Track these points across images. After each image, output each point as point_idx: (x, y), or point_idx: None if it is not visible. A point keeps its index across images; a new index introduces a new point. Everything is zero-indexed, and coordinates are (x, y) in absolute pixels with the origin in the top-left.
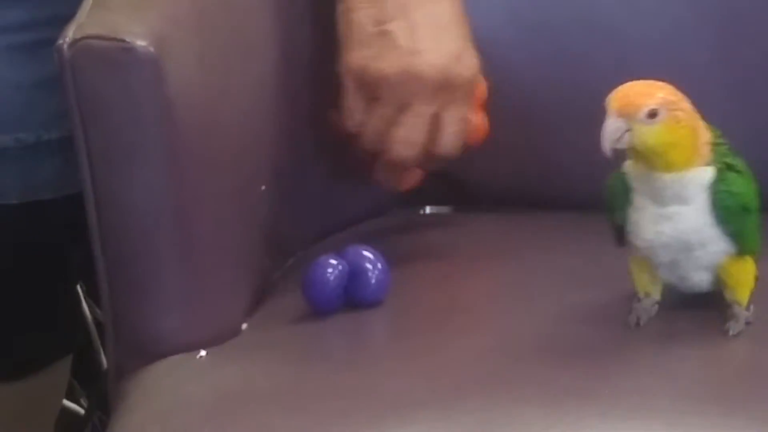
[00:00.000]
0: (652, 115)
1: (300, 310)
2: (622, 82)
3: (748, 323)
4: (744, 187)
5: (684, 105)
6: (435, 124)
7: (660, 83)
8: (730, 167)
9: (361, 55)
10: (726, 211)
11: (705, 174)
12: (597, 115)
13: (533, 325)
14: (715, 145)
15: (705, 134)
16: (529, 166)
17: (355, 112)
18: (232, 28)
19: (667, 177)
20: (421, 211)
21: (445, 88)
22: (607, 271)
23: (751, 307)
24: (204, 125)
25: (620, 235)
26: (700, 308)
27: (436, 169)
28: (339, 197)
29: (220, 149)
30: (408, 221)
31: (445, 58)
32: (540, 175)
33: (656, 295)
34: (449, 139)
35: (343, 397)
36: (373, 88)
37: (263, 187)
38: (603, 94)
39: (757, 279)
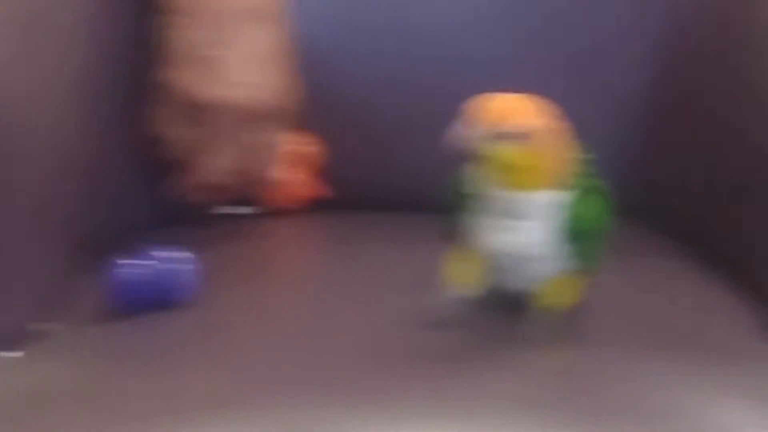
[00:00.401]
0: (521, 136)
1: (107, 311)
2: (440, 84)
3: (554, 330)
4: (594, 212)
5: (553, 128)
6: (246, 153)
7: (533, 102)
8: (586, 191)
9: (183, 75)
10: (572, 234)
11: (556, 196)
12: (412, 116)
13: (344, 327)
14: (578, 166)
15: (568, 157)
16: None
17: (169, 127)
18: (44, 29)
19: (515, 195)
20: (231, 212)
21: (262, 119)
22: (425, 273)
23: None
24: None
25: (452, 234)
26: (518, 312)
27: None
28: (147, 198)
29: (24, 145)
30: (216, 222)
31: (264, 92)
32: (348, 176)
33: (476, 293)
34: (258, 168)
35: (149, 397)
36: (190, 109)
37: (71, 188)
38: (422, 96)
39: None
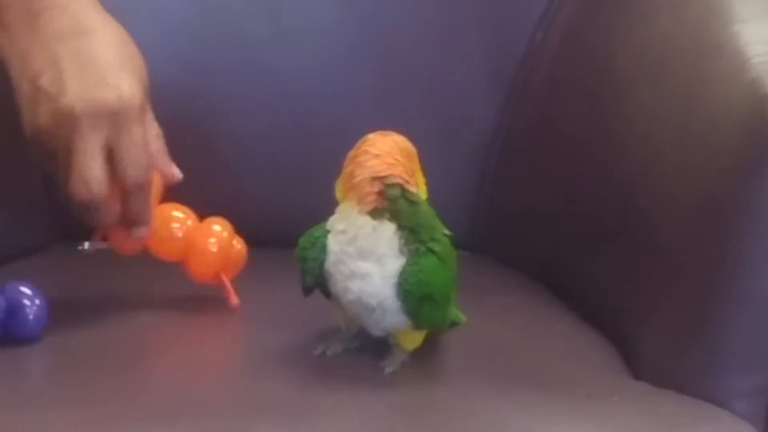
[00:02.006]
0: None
1: None
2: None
3: (404, 364)
4: (434, 275)
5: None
6: (110, 157)
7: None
8: (429, 250)
9: (27, 120)
10: (407, 293)
11: (401, 261)
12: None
13: (193, 362)
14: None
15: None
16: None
17: (49, 175)
18: None
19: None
20: (80, 247)
21: (98, 117)
22: (291, 311)
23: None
24: None
25: (309, 291)
26: (381, 351)
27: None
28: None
29: None
30: (67, 257)
31: (89, 90)
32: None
33: (353, 330)
34: (129, 166)
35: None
36: (47, 146)
37: None
38: (252, 125)
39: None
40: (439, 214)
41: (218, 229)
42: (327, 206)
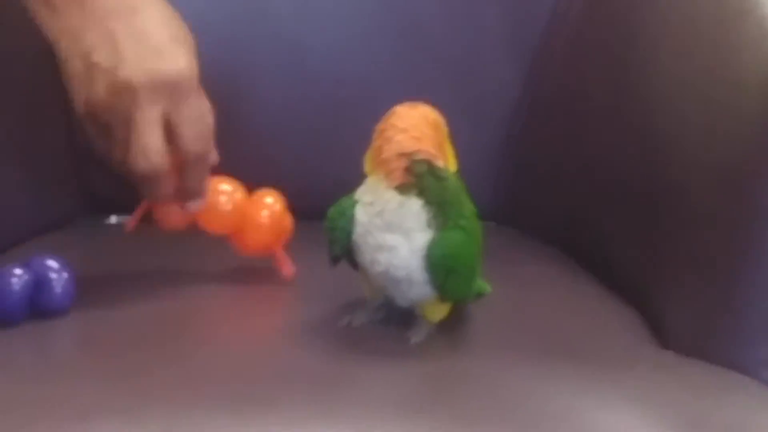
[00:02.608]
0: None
1: None
2: (305, 94)
3: (429, 335)
4: (460, 249)
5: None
6: (167, 130)
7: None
8: (456, 225)
9: (81, 98)
10: (434, 266)
11: (428, 234)
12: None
13: (220, 334)
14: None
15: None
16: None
17: (102, 151)
18: None
19: (393, 202)
20: (107, 221)
21: (158, 89)
22: (318, 284)
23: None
24: None
25: (336, 261)
26: (407, 322)
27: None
28: (24, 207)
29: None
30: (94, 231)
31: (148, 63)
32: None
33: (379, 300)
34: (189, 138)
35: (28, 406)
36: (102, 121)
37: None
38: (280, 101)
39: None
40: (465, 184)
41: (270, 201)
42: (355, 179)
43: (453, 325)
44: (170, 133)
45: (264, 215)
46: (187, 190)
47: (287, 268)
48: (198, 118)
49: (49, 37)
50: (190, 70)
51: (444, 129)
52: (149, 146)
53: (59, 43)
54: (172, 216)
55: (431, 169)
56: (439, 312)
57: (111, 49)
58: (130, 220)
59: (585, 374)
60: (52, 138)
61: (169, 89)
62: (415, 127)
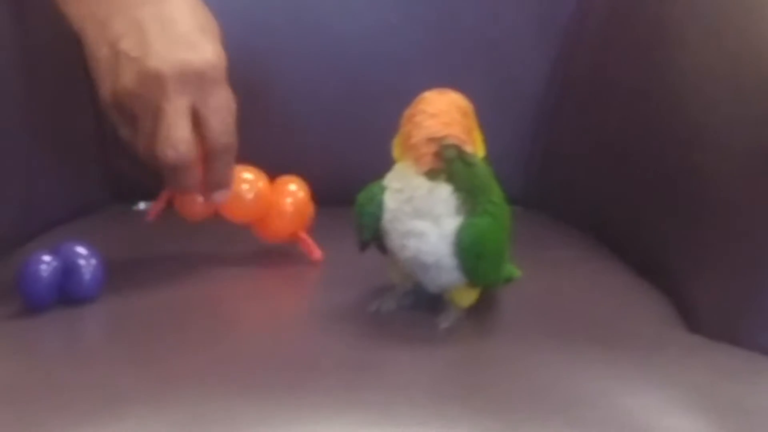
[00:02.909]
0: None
1: (14, 307)
2: (337, 79)
3: (459, 320)
4: (489, 234)
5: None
6: (197, 119)
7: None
8: (485, 210)
9: (107, 86)
10: (463, 252)
11: (457, 220)
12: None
13: (249, 320)
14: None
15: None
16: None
17: (126, 139)
18: None
19: (422, 188)
20: (135, 207)
21: (186, 79)
22: (348, 270)
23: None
24: None
25: (365, 246)
26: (436, 308)
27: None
28: (53, 193)
29: None
30: (123, 217)
31: (176, 52)
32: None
33: (407, 286)
34: (216, 128)
35: (56, 392)
36: (128, 109)
37: None
38: (307, 86)
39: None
40: (493, 170)
41: (294, 188)
42: (383, 164)
43: (482, 310)
44: (197, 123)
45: (287, 202)
46: (213, 181)
47: (315, 252)
48: (225, 108)
49: (73, 24)
50: (218, 61)
51: (473, 115)
52: (177, 137)
53: (85, 31)
54: (195, 206)
55: (460, 154)
56: (468, 297)
57: (139, 38)
58: (151, 209)
59: (614, 358)
60: (80, 125)
61: (197, 80)
62: (444, 112)
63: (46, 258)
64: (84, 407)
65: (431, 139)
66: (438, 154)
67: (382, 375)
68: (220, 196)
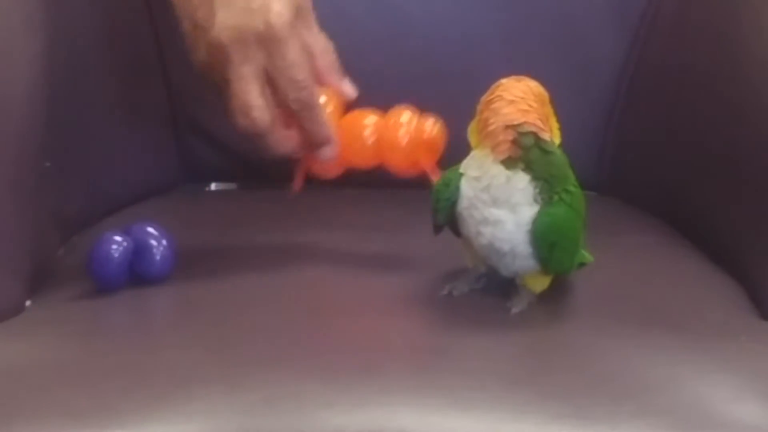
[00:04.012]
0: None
1: (85, 287)
2: (413, 64)
3: (530, 305)
4: (564, 223)
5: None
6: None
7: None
8: (561, 199)
9: (193, 58)
10: (539, 240)
11: (534, 209)
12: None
13: (320, 303)
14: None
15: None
16: None
17: (216, 111)
18: (13, 8)
19: (500, 177)
20: (207, 188)
21: (246, 44)
22: (419, 253)
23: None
24: None
25: (439, 230)
26: (509, 292)
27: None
28: (124, 174)
29: (1, 126)
30: (194, 198)
31: (234, 18)
32: None
33: (480, 270)
34: (287, 86)
35: (127, 373)
36: (211, 80)
37: (47, 164)
38: (380, 71)
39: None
40: (568, 155)
41: (405, 119)
42: (457, 148)
43: (553, 295)
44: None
45: (401, 135)
46: (311, 139)
47: (435, 175)
48: (293, 65)
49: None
50: (279, 18)
51: (549, 103)
52: (247, 103)
53: (176, 7)
54: (323, 166)
55: (538, 141)
56: (540, 283)
57: (208, 8)
58: (295, 183)
59: (684, 345)
60: (153, 105)
61: (258, 42)
62: (522, 99)
63: (118, 238)
64: (154, 389)
65: (509, 127)
66: (515, 142)
67: (453, 359)
68: (326, 153)
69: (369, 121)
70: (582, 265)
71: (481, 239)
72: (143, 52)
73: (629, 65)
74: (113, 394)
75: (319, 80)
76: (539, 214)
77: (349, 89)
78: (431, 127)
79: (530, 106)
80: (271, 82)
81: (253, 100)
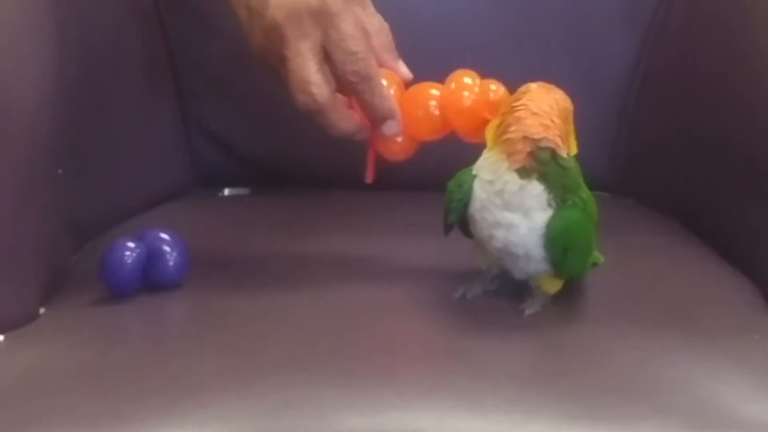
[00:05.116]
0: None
1: (98, 293)
2: (426, 65)
3: (544, 306)
4: (577, 227)
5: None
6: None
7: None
8: (575, 204)
9: (250, 44)
10: (552, 245)
11: (548, 213)
12: None
13: (334, 307)
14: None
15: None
16: (327, 148)
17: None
18: (23, 13)
19: (514, 184)
20: (220, 194)
21: (301, 21)
22: (433, 256)
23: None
24: None
25: (450, 229)
26: (523, 292)
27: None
28: (137, 180)
29: (12, 133)
30: (207, 203)
31: None
32: (337, 156)
33: (493, 272)
34: (343, 59)
35: (141, 379)
36: (270, 65)
37: (60, 171)
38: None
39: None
40: (580, 156)
41: (468, 81)
42: (469, 150)
43: (567, 296)
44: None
45: (465, 96)
46: (372, 114)
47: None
48: (348, 38)
49: None
50: None
51: (572, 118)
52: (304, 79)
53: None
54: (393, 146)
55: (554, 157)
56: (554, 285)
57: None
58: (367, 173)
59: (699, 344)
60: (166, 111)
61: (313, 19)
62: (545, 113)
63: (131, 244)
64: (168, 395)
65: (528, 138)
66: (532, 154)
67: (468, 361)
68: (387, 128)
69: (433, 91)
70: (594, 265)
71: (495, 242)
72: (154, 58)
73: (641, 65)
74: (127, 400)
75: (376, 60)
76: (553, 218)
77: (405, 71)
78: (496, 87)
79: (553, 121)
80: (328, 58)
81: (311, 76)
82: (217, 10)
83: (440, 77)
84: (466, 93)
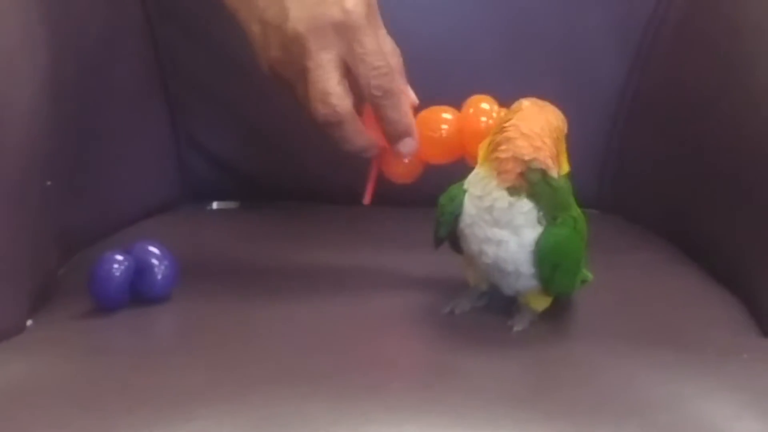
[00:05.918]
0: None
1: (86, 306)
2: (417, 83)
3: (532, 323)
4: (567, 244)
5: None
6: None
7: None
8: (564, 221)
9: (262, 58)
10: (541, 261)
11: (537, 230)
12: None
13: (322, 321)
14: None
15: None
16: (317, 163)
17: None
18: (18, 26)
19: (503, 201)
20: (209, 207)
21: (324, 33)
22: (417, 270)
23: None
24: None
25: (440, 243)
26: (511, 309)
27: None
28: (126, 192)
29: (5, 144)
30: (196, 217)
31: (310, 9)
32: (326, 171)
33: (482, 288)
34: (367, 73)
35: (129, 393)
36: (285, 79)
37: (48, 183)
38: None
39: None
40: (570, 173)
41: (486, 107)
42: (460, 166)
43: (555, 313)
44: (350, 75)
45: (483, 121)
46: (389, 131)
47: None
48: (372, 53)
49: (227, 9)
50: (355, 7)
51: (564, 137)
52: (325, 90)
53: (238, 12)
54: (399, 167)
55: (545, 178)
56: (542, 302)
57: (278, 7)
58: (366, 194)
59: (687, 362)
60: (156, 124)
61: (335, 31)
62: (537, 135)
63: (119, 257)
64: (155, 408)
65: (518, 159)
66: (522, 175)
67: (456, 377)
68: (404, 147)
69: (446, 114)
70: (583, 282)
71: (485, 258)
72: (145, 71)
73: (631, 84)
74: (115, 414)
75: None
76: (543, 234)
77: (413, 95)
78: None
79: (544, 142)
80: (349, 74)
81: (333, 87)
82: (208, 25)
83: (432, 95)
84: (483, 118)
